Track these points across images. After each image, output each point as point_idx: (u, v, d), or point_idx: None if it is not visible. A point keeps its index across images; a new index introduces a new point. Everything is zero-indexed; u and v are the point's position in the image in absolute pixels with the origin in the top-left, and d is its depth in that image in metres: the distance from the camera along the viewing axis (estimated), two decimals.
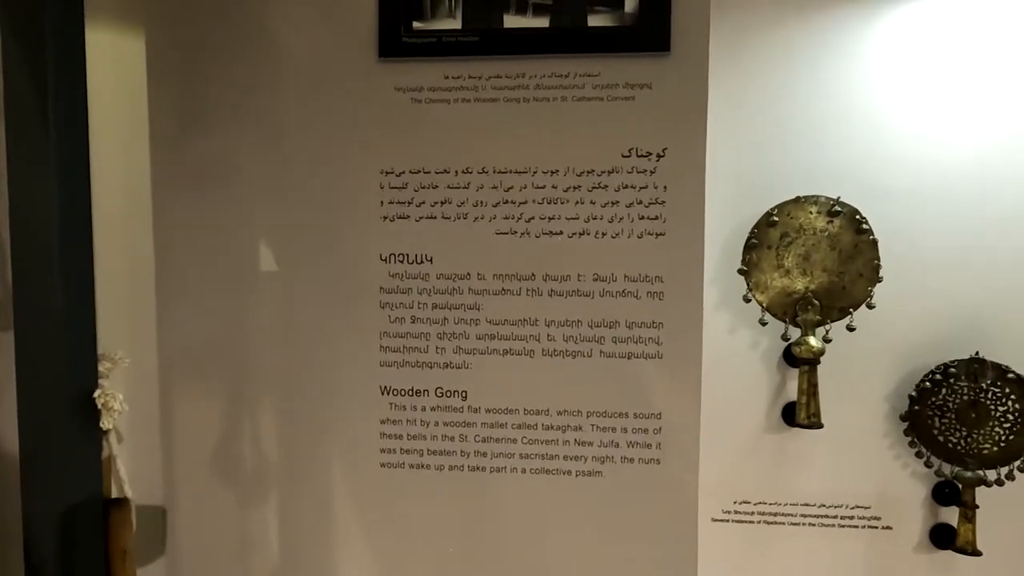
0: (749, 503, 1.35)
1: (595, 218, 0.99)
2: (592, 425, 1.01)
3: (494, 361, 1.01)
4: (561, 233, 0.99)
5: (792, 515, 1.34)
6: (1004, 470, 1.24)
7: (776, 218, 1.23)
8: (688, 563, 1.00)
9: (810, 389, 1.24)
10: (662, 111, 0.97)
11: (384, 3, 0.98)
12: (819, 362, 1.24)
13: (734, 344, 1.31)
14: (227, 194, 1.05)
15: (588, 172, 0.98)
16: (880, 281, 1.24)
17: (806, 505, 1.34)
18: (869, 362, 1.30)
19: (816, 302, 1.23)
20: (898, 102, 1.27)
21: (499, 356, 1.01)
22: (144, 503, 1.09)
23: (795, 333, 1.24)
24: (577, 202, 0.99)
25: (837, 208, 1.22)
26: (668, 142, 0.97)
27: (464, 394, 1.02)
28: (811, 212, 1.23)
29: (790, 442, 1.33)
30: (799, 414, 1.24)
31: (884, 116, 1.27)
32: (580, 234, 0.99)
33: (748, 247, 1.24)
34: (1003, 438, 1.22)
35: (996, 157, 1.25)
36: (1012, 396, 1.21)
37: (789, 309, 1.24)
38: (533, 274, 1.00)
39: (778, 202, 1.23)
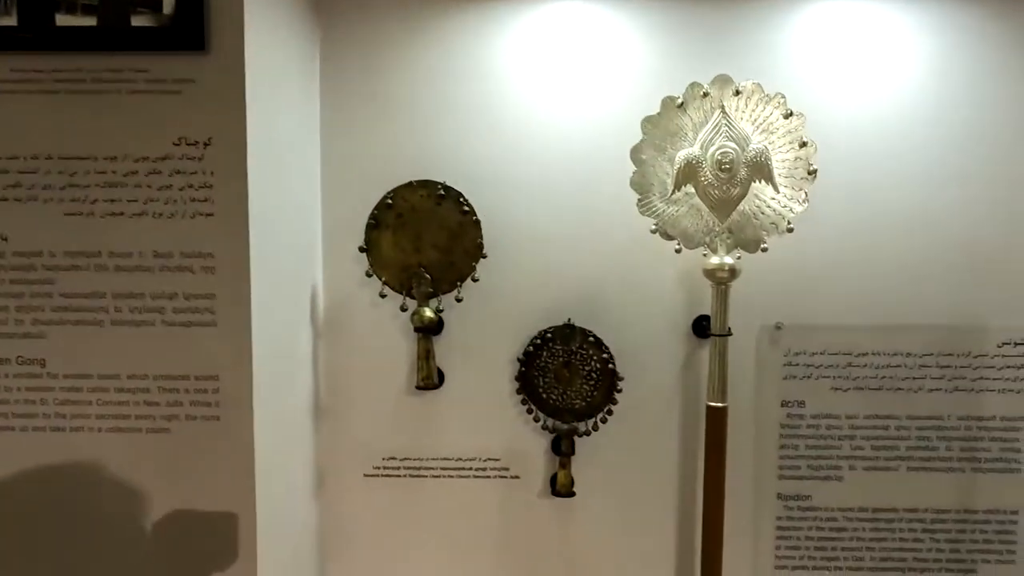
0: (396, 459, 1.49)
1: (152, 200, 1.09)
2: (159, 387, 1.12)
3: (68, 331, 1.11)
4: (123, 214, 1.09)
5: (434, 468, 1.49)
6: (591, 422, 1.41)
7: (392, 201, 1.36)
8: (247, 506, 1.13)
9: (425, 354, 1.38)
10: (206, 104, 1.08)
11: None
12: (434, 330, 1.39)
13: (377, 316, 1.44)
14: None
15: (144, 159, 1.09)
16: (484, 257, 1.39)
17: (445, 459, 1.49)
18: (491, 330, 1.45)
19: (428, 276, 1.37)
20: (512, 99, 1.42)
21: (72, 326, 1.11)
22: None
23: (413, 304, 1.39)
24: (136, 186, 1.09)
25: (442, 191, 1.36)
26: (213, 132, 1.08)
27: (43, 362, 1.12)
28: (422, 195, 1.36)
29: (429, 403, 1.48)
30: (416, 377, 1.38)
31: (496, 112, 1.42)
32: (140, 215, 1.09)
33: (369, 227, 1.37)
34: (589, 394, 1.39)
35: (596, 152, 1.41)
36: (594, 357, 1.38)
37: (407, 283, 1.38)
38: (99, 251, 1.10)
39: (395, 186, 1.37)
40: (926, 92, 1.40)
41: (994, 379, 1.42)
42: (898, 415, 1.44)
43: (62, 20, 1.06)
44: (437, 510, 1.50)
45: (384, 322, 1.44)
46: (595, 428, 1.41)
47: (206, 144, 1.08)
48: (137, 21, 1.06)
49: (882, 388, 1.43)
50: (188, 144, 1.08)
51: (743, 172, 1.30)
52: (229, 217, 1.09)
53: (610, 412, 1.40)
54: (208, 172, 1.09)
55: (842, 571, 1.46)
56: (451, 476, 1.49)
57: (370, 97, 1.43)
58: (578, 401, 1.39)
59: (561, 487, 1.40)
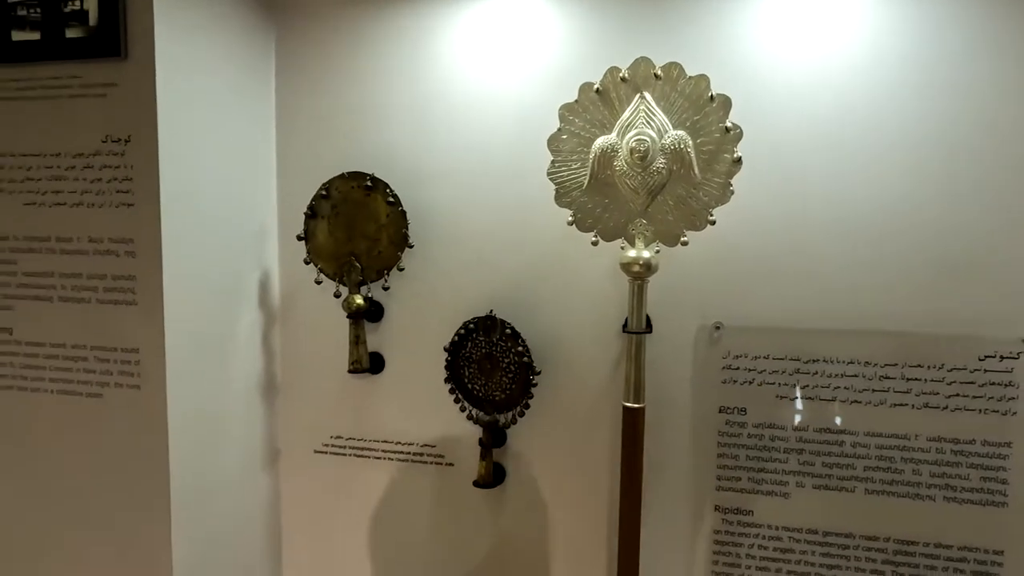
0: (342, 438, 1.57)
1: (87, 192, 1.24)
2: (95, 356, 1.27)
3: (28, 304, 1.29)
4: (66, 204, 1.25)
5: (375, 450, 1.55)
6: (510, 414, 1.39)
7: (327, 192, 1.43)
8: (161, 464, 1.25)
9: (355, 339, 1.43)
10: (126, 105, 1.20)
11: None
12: (365, 316, 1.44)
13: (327, 301, 1.51)
14: None
15: (80, 155, 1.24)
16: (411, 247, 1.41)
17: (386, 442, 1.54)
18: (427, 318, 1.48)
19: (358, 264, 1.42)
20: (448, 91, 1.44)
21: (32, 301, 1.29)
22: None
23: (345, 291, 1.44)
24: (75, 179, 1.24)
25: (370, 183, 1.40)
26: (131, 130, 1.21)
27: (11, 330, 1.31)
28: (353, 186, 1.41)
29: (372, 387, 1.54)
30: (349, 360, 1.44)
31: (428, 109, 1.44)
32: (78, 204, 1.25)
33: (306, 217, 1.44)
34: (508, 386, 1.38)
35: (523, 142, 1.38)
36: (511, 349, 1.36)
37: (339, 271, 1.44)
38: (49, 236, 1.27)
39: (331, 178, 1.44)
40: (886, 59, 1.24)
41: (974, 397, 1.23)
42: (854, 430, 1.28)
43: (17, 36, 1.23)
44: (378, 490, 1.55)
45: (334, 308, 1.51)
46: (513, 421, 1.39)
47: (126, 141, 1.21)
48: (71, 33, 1.21)
49: (836, 400, 1.29)
50: (113, 141, 1.22)
51: (661, 160, 1.22)
52: (145, 207, 1.21)
53: (527, 406, 1.38)
54: (129, 166, 1.22)
55: None
56: (391, 459, 1.54)
57: (323, 92, 1.50)
58: (498, 393, 1.38)
59: (479, 478, 1.40)
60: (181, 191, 1.25)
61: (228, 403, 1.44)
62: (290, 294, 1.56)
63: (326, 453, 1.58)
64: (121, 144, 1.21)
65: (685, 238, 1.22)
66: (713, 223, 1.20)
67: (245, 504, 1.52)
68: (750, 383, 1.33)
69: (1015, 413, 1.22)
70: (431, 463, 1.52)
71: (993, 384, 1.22)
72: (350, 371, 1.43)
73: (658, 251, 1.24)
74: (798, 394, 1.31)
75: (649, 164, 1.23)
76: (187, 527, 1.31)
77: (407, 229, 1.40)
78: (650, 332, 1.29)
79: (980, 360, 1.22)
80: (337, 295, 1.44)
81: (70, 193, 1.25)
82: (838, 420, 1.29)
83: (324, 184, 1.43)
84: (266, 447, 1.58)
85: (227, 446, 1.45)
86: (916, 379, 1.25)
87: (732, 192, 1.19)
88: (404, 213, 1.40)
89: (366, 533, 1.57)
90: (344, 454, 1.57)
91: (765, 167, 1.28)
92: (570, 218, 1.28)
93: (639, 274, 1.25)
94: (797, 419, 1.31)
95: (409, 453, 1.53)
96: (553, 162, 1.28)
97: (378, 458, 1.55)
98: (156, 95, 1.18)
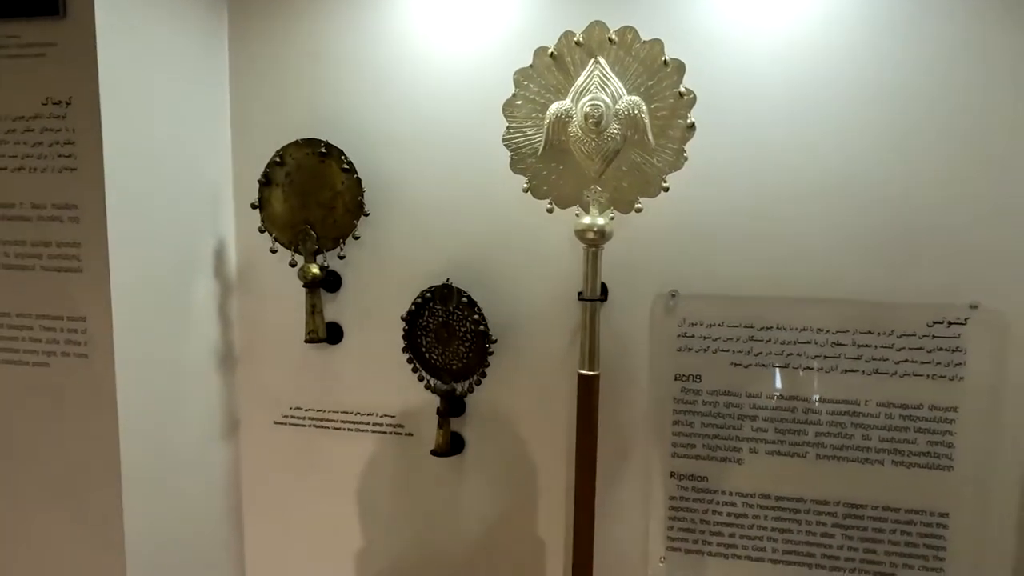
0: (302, 409, 1.56)
1: (28, 156, 1.21)
2: (40, 326, 1.25)
3: None
4: (7, 168, 1.22)
5: (335, 421, 1.54)
6: (466, 383, 1.39)
7: (281, 159, 1.40)
8: (110, 433, 1.24)
9: (311, 309, 1.42)
10: (65, 65, 1.17)
11: None
12: (321, 285, 1.42)
13: (285, 270, 1.49)
14: None
15: (20, 118, 1.20)
16: (366, 215, 1.40)
17: (345, 413, 1.54)
18: (385, 288, 1.47)
19: (313, 233, 1.41)
20: (409, 63, 1.41)
21: None
22: None
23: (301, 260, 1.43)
24: (15, 143, 1.21)
25: (324, 150, 1.38)
26: (72, 92, 1.17)
27: None
28: (307, 153, 1.39)
29: (331, 358, 1.53)
30: (305, 330, 1.43)
31: (384, 74, 1.42)
32: (20, 169, 1.21)
33: (261, 185, 1.42)
34: (465, 355, 1.37)
35: (480, 108, 1.37)
36: (468, 318, 1.36)
37: (294, 239, 1.42)
38: None
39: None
40: (842, 22, 1.23)
41: (922, 363, 1.24)
42: (806, 396, 1.30)
43: None
44: (339, 461, 1.55)
45: (292, 277, 1.48)
46: (470, 390, 1.39)
47: (67, 103, 1.18)
48: None
49: (788, 366, 1.30)
50: (53, 104, 1.18)
51: (615, 126, 1.21)
52: (89, 171, 1.18)
53: (484, 375, 1.38)
54: (71, 129, 1.18)
55: (741, 560, 1.36)
56: (351, 430, 1.54)
57: (279, 55, 1.47)
58: (455, 362, 1.38)
59: (437, 447, 1.40)
60: (127, 155, 1.22)
61: (184, 374, 1.42)
62: (247, 263, 1.54)
63: (286, 424, 1.57)
64: (62, 106, 1.18)
65: (639, 205, 1.22)
66: (667, 190, 1.20)
67: (203, 477, 1.51)
68: (705, 351, 1.34)
69: (962, 378, 1.24)
70: (391, 433, 1.52)
71: (941, 350, 1.24)
72: (306, 341, 1.42)
73: (612, 218, 1.23)
74: (752, 361, 1.32)
75: (603, 130, 1.21)
76: (140, 500, 1.29)
77: (363, 197, 1.38)
78: (605, 300, 1.29)
79: (928, 326, 1.24)
80: (293, 264, 1.42)
81: (11, 158, 1.21)
82: (790, 386, 1.30)
83: (278, 151, 1.40)
84: (225, 418, 1.56)
85: (183, 417, 1.43)
86: (866, 345, 1.27)
87: (686, 158, 1.19)
88: (359, 180, 1.38)
89: (328, 504, 1.57)
90: (304, 425, 1.56)
91: (719, 133, 1.28)
92: (525, 185, 1.27)
93: (593, 241, 1.24)
94: (751, 386, 1.32)
95: (369, 424, 1.53)
96: (508, 128, 1.26)
97: (338, 429, 1.54)
98: (97, 54, 1.15)
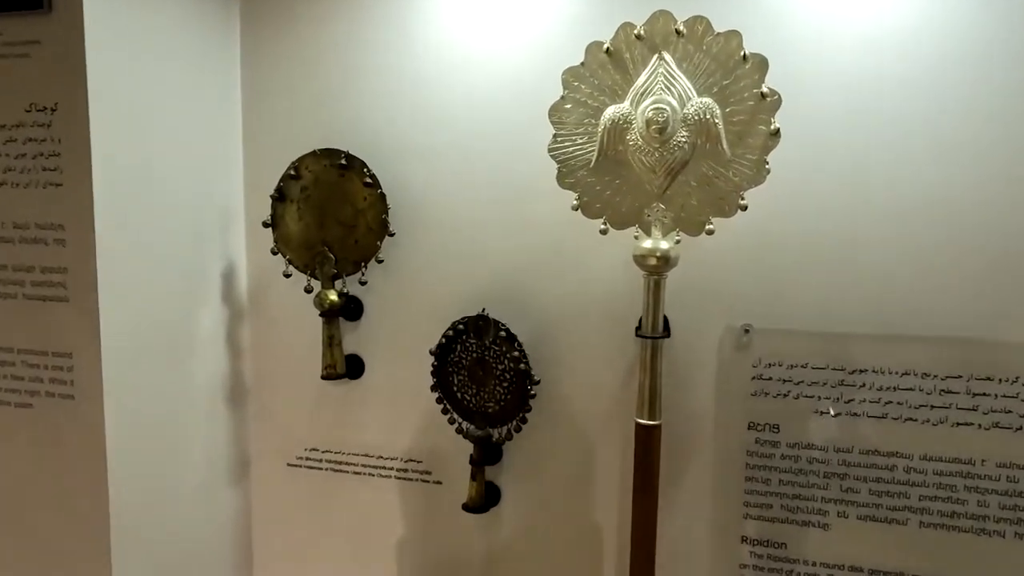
0: (318, 451, 1.39)
1: (11, 170, 1.06)
2: (22, 361, 1.10)
3: None
4: None
5: (355, 464, 1.38)
6: (504, 429, 1.21)
7: (296, 171, 1.24)
8: (98, 480, 1.08)
9: (328, 340, 1.25)
10: (51, 67, 1.02)
11: None
12: (341, 314, 1.26)
13: (301, 296, 1.33)
14: None
15: (1, 126, 1.06)
16: (391, 235, 1.23)
17: (366, 456, 1.37)
18: (412, 317, 1.30)
19: (331, 255, 1.24)
20: (440, 62, 1.24)
21: None
22: None
23: (318, 286, 1.26)
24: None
25: (344, 161, 1.21)
26: (58, 97, 1.03)
27: None
28: (325, 164, 1.23)
29: (351, 394, 1.36)
30: (322, 364, 1.26)
31: (412, 77, 1.25)
32: (0, 184, 1.07)
33: (273, 200, 1.26)
34: (503, 397, 1.19)
35: (523, 121, 1.19)
36: (507, 355, 1.18)
37: (311, 262, 1.26)
38: None
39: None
40: (955, 18, 1.03)
41: None
42: (908, 453, 1.09)
43: None
44: (359, 510, 1.38)
45: (308, 304, 1.33)
46: (509, 437, 1.21)
47: (52, 110, 1.03)
48: None
49: (887, 417, 1.09)
50: (37, 110, 1.04)
51: (683, 133, 1.03)
52: (76, 187, 1.03)
53: (524, 419, 1.20)
54: (56, 140, 1.04)
55: None
56: (372, 475, 1.36)
57: (296, 57, 1.31)
58: (491, 404, 1.20)
59: (470, 500, 1.22)
60: (120, 169, 1.07)
61: (185, 412, 1.27)
62: (258, 288, 1.39)
63: (300, 467, 1.41)
64: (47, 113, 1.03)
65: (711, 225, 1.03)
66: (744, 208, 1.01)
67: (209, 526, 1.35)
68: (784, 395, 1.14)
69: None
70: (417, 480, 1.34)
71: None
72: (324, 377, 1.26)
73: (678, 241, 1.05)
74: (841, 410, 1.12)
75: (669, 138, 1.03)
76: (132, 551, 1.14)
77: (387, 215, 1.22)
78: (668, 336, 1.11)
79: None
80: (309, 290, 1.26)
81: None
82: (888, 440, 1.10)
83: (293, 162, 1.25)
84: (233, 460, 1.41)
85: (186, 460, 1.28)
86: (984, 394, 1.06)
87: (768, 171, 1.00)
88: (384, 196, 1.22)
89: (345, 557, 1.40)
90: (321, 468, 1.40)
91: (807, 143, 1.09)
92: (575, 202, 1.09)
93: (655, 268, 1.06)
94: (840, 439, 1.12)
95: (392, 469, 1.35)
96: (555, 136, 1.09)
97: (358, 473, 1.37)
98: (85, 54, 1.00)
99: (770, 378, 1.14)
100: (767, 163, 1.00)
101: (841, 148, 1.09)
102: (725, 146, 1.01)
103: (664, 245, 1.05)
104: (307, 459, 1.40)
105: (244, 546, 1.45)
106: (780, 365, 1.14)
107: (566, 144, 1.09)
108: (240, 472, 1.42)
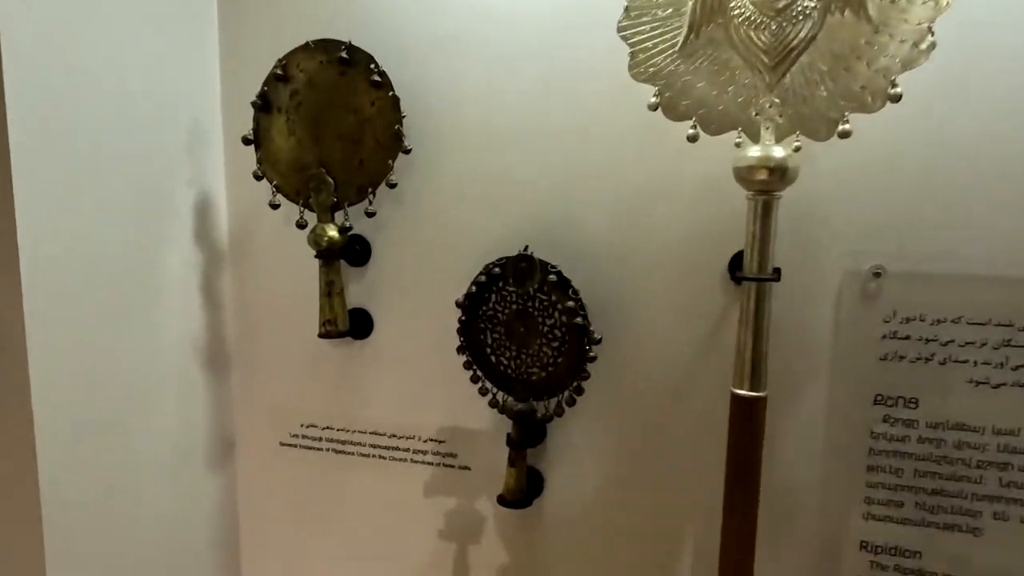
0: (317, 427, 1.14)
1: None
2: None
3: None
4: None
5: (361, 444, 1.12)
6: (553, 402, 0.94)
7: (283, 71, 0.97)
8: (26, 467, 0.83)
9: (328, 289, 0.99)
10: None
11: None
12: (341, 256, 1.00)
13: (296, 236, 1.06)
14: None
15: None
16: (406, 152, 0.96)
17: (376, 434, 1.11)
18: (432, 259, 1.03)
19: (330, 179, 0.97)
20: None
21: None
22: None
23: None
24: None
25: (345, 55, 0.93)
26: None
27: None
28: (321, 61, 0.95)
29: (356, 358, 1.10)
30: (319, 319, 1.00)
31: None
32: None
33: (256, 109, 0.99)
34: (551, 360, 0.92)
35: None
36: (557, 305, 0.91)
37: (304, 188, 0.99)
38: None
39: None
40: None
41: None
42: None
43: None
44: (365, 498, 1.13)
45: (302, 241, 1.05)
46: (559, 412, 0.94)
47: None
48: None
49: None
50: None
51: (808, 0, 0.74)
52: None
53: (579, 390, 0.93)
54: None
55: None
56: (382, 458, 1.11)
57: None
58: (535, 370, 0.94)
59: (507, 492, 0.96)
60: (47, 71, 0.80)
61: (149, 380, 1.01)
62: (241, 224, 1.12)
63: (295, 447, 1.16)
64: None
65: (846, 125, 0.75)
66: (897, 99, 0.73)
67: (183, 520, 1.10)
68: (926, 360, 0.86)
69: None
70: (439, 465, 1.08)
71: None
72: (322, 335, 0.99)
73: (798, 147, 0.77)
74: (1005, 379, 0.84)
75: (790, 5, 0.75)
76: (77, 554, 0.89)
77: (401, 124, 0.94)
78: (778, 279, 0.83)
79: None
80: (301, 225, 1.00)
81: None
82: None
83: (280, 59, 0.97)
84: (213, 441, 1.15)
85: (149, 441, 1.03)
86: None
87: (933, 44, 0.72)
88: (397, 100, 0.94)
89: (349, 556, 1.15)
90: (320, 449, 1.14)
91: (978, 17, 0.80)
92: (653, 99, 0.81)
93: (767, 184, 0.78)
94: (1003, 418, 0.85)
95: (408, 450, 1.10)
96: (627, 9, 0.81)
97: (365, 456, 1.12)
98: None
99: (907, 336, 0.86)
100: (932, 35, 0.71)
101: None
102: (872, 10, 0.73)
103: (779, 152, 0.77)
104: (303, 437, 1.14)
105: (229, 543, 1.20)
106: (922, 320, 0.86)
107: (643, 19, 0.80)
108: (222, 455, 1.17)
